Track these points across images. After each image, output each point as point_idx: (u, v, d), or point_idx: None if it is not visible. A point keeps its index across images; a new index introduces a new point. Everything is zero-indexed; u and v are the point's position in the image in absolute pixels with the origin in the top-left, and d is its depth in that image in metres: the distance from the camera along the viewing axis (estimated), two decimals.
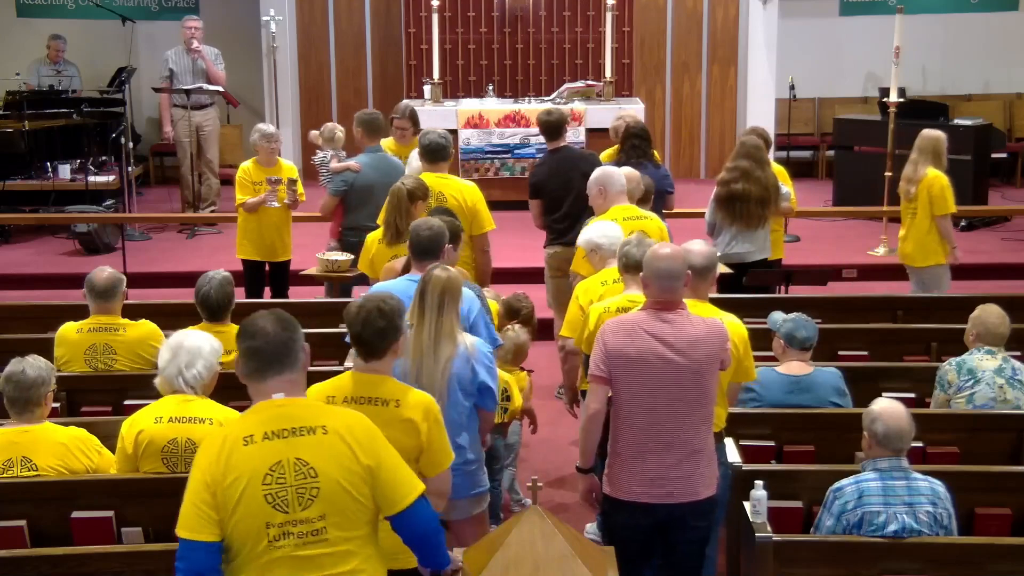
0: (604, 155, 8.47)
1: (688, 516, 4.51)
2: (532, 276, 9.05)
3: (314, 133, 8.42)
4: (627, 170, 7.13)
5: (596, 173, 6.83)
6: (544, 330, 7.91)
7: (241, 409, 4.75)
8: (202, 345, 4.77)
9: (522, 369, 6.46)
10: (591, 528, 6.06)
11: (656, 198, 7.58)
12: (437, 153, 7.04)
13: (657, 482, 4.46)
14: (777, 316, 5.57)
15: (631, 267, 5.32)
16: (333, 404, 4.08)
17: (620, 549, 4.31)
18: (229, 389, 5.05)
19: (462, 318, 4.86)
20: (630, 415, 4.49)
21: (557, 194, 7.78)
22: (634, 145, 7.95)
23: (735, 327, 4.99)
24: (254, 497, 3.32)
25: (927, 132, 8.28)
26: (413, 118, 8.54)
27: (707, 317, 4.66)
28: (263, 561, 3.35)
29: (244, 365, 3.47)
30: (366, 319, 4.12)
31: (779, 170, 8.34)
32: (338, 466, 3.37)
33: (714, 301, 5.18)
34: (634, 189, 6.94)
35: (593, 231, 6.07)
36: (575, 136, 11.77)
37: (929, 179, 8.01)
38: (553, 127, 8.05)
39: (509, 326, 6.39)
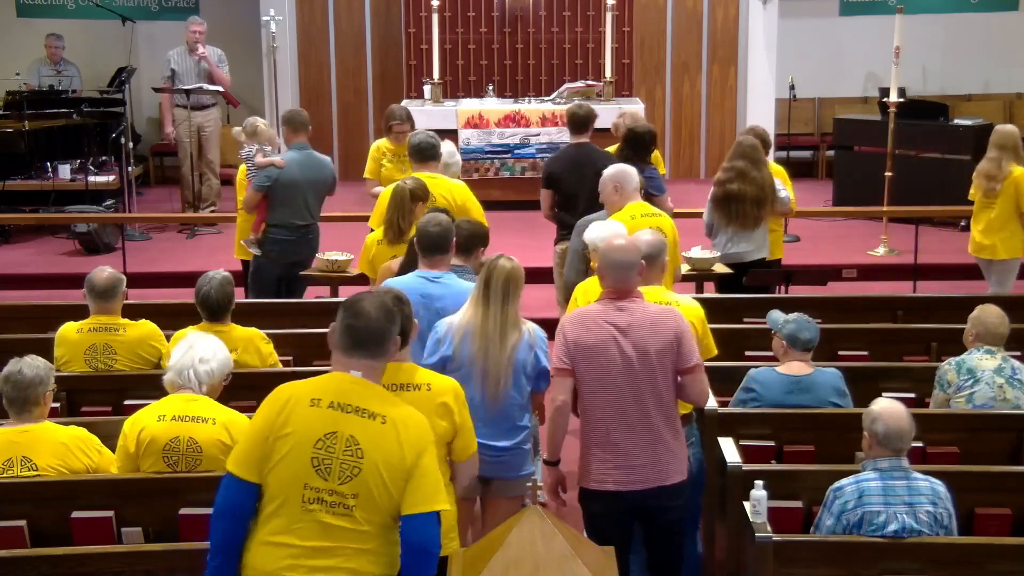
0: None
1: (660, 499, 4.61)
2: (532, 276, 9.03)
3: (237, 129, 8.40)
4: (630, 168, 7.19)
5: (611, 170, 6.85)
6: (547, 329, 7.90)
7: (242, 410, 4.79)
8: (219, 349, 4.86)
9: None
10: None
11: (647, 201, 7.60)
12: (426, 153, 7.23)
13: (625, 470, 4.58)
14: (777, 316, 5.56)
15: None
16: None
17: (599, 538, 4.41)
18: (232, 389, 5.05)
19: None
20: (595, 405, 4.61)
21: (570, 189, 7.81)
22: (636, 149, 7.88)
23: (692, 309, 5.19)
24: (302, 456, 3.53)
25: (1003, 128, 8.42)
26: (411, 119, 8.62)
27: (661, 304, 4.85)
28: (294, 517, 3.53)
29: (338, 337, 3.67)
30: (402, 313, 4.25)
31: (778, 170, 8.34)
32: (383, 457, 3.54)
33: (715, 301, 5.25)
34: (634, 182, 6.93)
35: (595, 233, 6.07)
36: None
37: (1016, 176, 8.14)
38: (580, 120, 8.09)
39: None
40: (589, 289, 5.70)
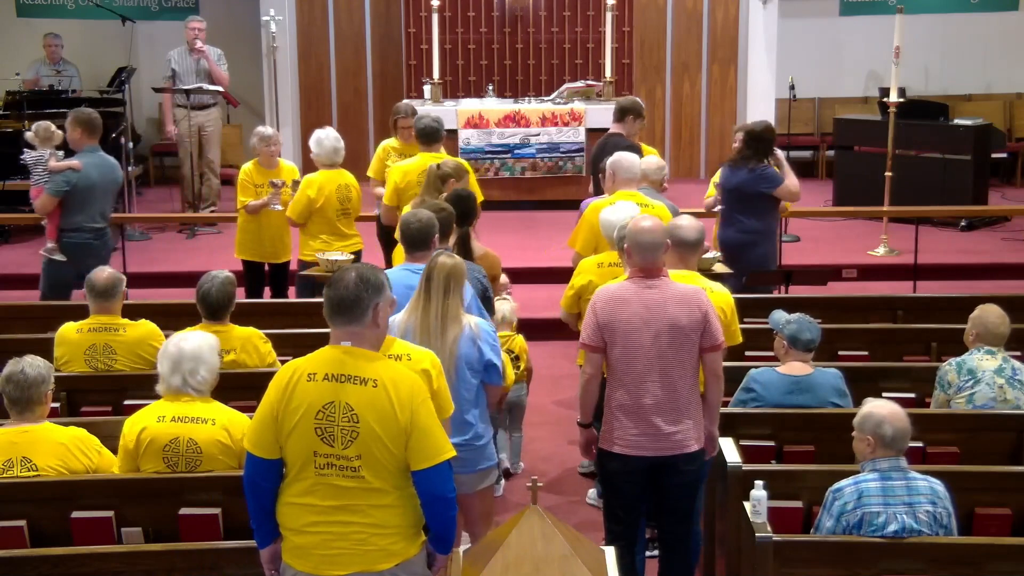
0: None
1: (678, 464, 4.91)
2: (531, 276, 9.06)
3: (29, 134, 8.30)
4: (651, 158, 7.40)
5: (612, 157, 7.05)
6: (548, 328, 7.92)
7: (242, 409, 4.79)
8: (201, 346, 4.77)
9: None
10: (592, 494, 6.42)
11: (757, 199, 7.73)
12: (431, 136, 7.93)
13: (650, 437, 4.87)
14: (779, 316, 5.57)
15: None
16: None
17: (617, 495, 5.04)
18: (230, 390, 5.05)
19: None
20: (622, 376, 4.89)
21: (597, 174, 7.94)
22: (756, 148, 7.84)
23: (722, 296, 5.45)
24: (307, 427, 3.79)
25: None
26: (416, 115, 8.66)
27: (687, 284, 5.04)
28: (311, 482, 3.83)
29: (324, 309, 3.91)
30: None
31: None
32: (377, 418, 3.77)
33: None
34: (653, 172, 7.18)
35: (603, 215, 6.31)
36: (575, 136, 11.79)
37: None
38: (618, 109, 8.27)
39: (498, 298, 6.60)
40: (583, 268, 6.07)
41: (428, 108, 11.86)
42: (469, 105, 12.22)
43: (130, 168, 11.87)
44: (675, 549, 5.11)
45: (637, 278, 4.93)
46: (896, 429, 4.40)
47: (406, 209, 6.83)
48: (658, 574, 5.22)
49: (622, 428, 4.90)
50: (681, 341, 4.83)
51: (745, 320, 6.88)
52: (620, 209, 6.12)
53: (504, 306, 6.56)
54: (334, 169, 7.92)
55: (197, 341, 4.79)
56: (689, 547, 5.15)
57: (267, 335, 6.03)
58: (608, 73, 12.39)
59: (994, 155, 12.38)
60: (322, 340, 4.04)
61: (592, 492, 6.44)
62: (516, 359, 6.51)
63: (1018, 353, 5.78)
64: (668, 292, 4.88)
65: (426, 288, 4.88)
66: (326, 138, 7.99)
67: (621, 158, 6.97)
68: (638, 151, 7.86)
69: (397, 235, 6.73)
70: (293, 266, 8.56)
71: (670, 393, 4.85)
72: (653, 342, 4.82)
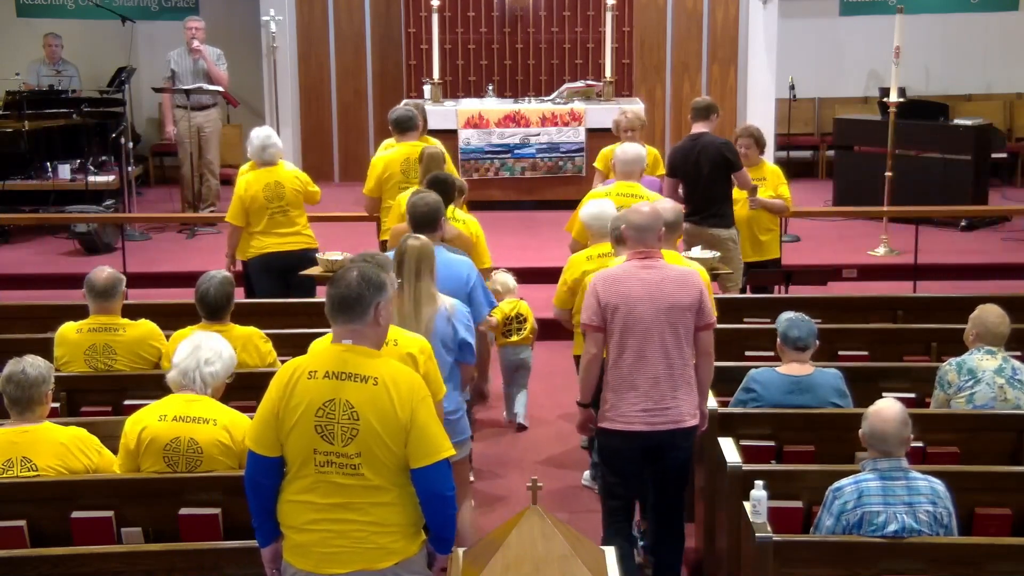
0: (604, 152, 8.53)
1: (675, 439, 5.10)
2: (532, 276, 9.05)
3: None
4: (633, 148, 7.46)
5: (617, 150, 7.41)
6: (548, 328, 7.92)
7: (242, 410, 4.79)
8: (223, 349, 4.88)
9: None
10: (586, 476, 6.60)
11: None
12: (404, 124, 8.06)
13: (649, 412, 5.04)
14: (782, 315, 5.58)
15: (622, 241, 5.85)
16: None
17: (617, 472, 5.21)
18: (231, 389, 5.05)
19: (461, 283, 5.50)
20: (621, 355, 5.05)
21: (686, 177, 8.07)
22: None
23: (700, 272, 5.59)
24: (307, 424, 3.81)
25: None
26: (424, 116, 8.71)
27: (682, 266, 5.32)
28: (311, 480, 3.84)
29: (326, 307, 3.93)
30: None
31: (774, 170, 8.36)
32: (377, 416, 3.78)
33: (715, 301, 5.34)
34: (633, 165, 7.34)
35: (585, 209, 6.53)
36: (575, 136, 11.80)
37: None
38: (702, 109, 8.33)
39: (492, 275, 6.97)
40: (575, 263, 6.18)
41: (428, 108, 11.87)
42: (469, 105, 12.21)
43: (130, 168, 11.88)
44: (668, 520, 5.25)
45: (635, 259, 5.11)
46: (873, 428, 4.39)
47: (402, 199, 6.98)
48: (651, 548, 5.37)
49: (623, 405, 5.05)
50: (679, 320, 5.02)
51: (745, 320, 6.91)
52: (601, 206, 6.37)
53: (502, 276, 7.08)
54: (265, 167, 7.91)
55: (222, 344, 4.91)
56: (681, 518, 5.30)
57: (267, 335, 6.03)
58: (608, 73, 12.39)
59: (994, 155, 12.37)
60: None
61: (586, 474, 6.60)
62: (523, 321, 7.18)
63: (1018, 353, 5.78)
64: (665, 273, 5.08)
65: (398, 273, 4.96)
66: (255, 136, 8.01)
67: (622, 152, 7.24)
68: (732, 148, 8.03)
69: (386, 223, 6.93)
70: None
71: (668, 370, 5.02)
72: (653, 320, 4.99)
